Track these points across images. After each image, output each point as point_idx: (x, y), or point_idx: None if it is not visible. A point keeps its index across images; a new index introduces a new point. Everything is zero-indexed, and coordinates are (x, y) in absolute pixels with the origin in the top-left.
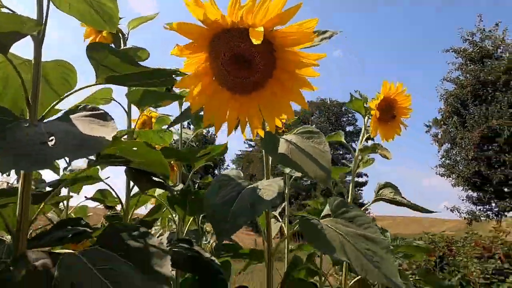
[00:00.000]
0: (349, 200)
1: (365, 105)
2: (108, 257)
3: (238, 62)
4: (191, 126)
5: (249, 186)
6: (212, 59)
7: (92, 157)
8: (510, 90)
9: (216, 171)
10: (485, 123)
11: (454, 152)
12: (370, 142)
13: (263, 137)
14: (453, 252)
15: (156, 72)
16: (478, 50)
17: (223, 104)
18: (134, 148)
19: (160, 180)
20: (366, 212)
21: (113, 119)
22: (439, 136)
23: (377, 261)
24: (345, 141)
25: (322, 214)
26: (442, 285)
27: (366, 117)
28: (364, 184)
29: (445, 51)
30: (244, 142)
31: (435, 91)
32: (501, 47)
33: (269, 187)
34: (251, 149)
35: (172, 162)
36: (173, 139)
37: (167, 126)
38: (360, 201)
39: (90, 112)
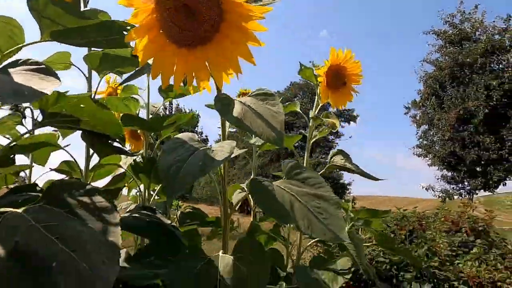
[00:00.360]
0: (305, 163)
1: (314, 74)
2: (54, 213)
3: (184, 13)
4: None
5: (202, 148)
6: (158, 11)
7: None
8: (486, 72)
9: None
10: (462, 105)
11: (431, 133)
12: (334, 111)
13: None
14: (423, 227)
15: (103, 25)
16: (458, 32)
17: (170, 58)
18: (82, 106)
19: (119, 146)
20: (347, 192)
21: (57, 74)
22: (418, 118)
23: (325, 217)
24: (300, 111)
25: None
26: (396, 248)
27: (318, 86)
28: None
29: (426, 33)
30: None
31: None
32: (480, 30)
33: (221, 149)
34: (235, 129)
35: (139, 131)
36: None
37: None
38: (341, 181)
39: (32, 67)
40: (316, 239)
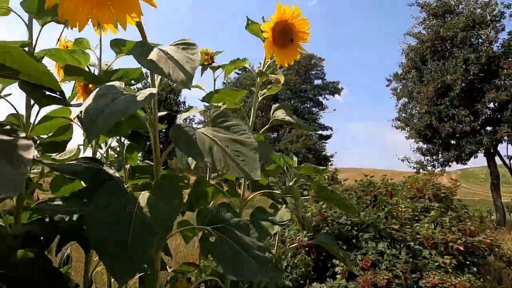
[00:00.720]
0: (250, 122)
1: (261, 29)
2: None
3: None
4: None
5: (128, 94)
6: None
7: None
8: (466, 46)
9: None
10: (440, 78)
11: (410, 106)
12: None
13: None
14: (391, 193)
15: None
16: (441, 5)
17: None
18: (11, 54)
19: (59, 96)
20: (329, 164)
21: None
22: (398, 91)
23: (242, 159)
24: (248, 66)
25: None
26: (330, 196)
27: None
28: (328, 137)
29: (410, 5)
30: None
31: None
32: (463, 3)
33: (144, 94)
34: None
35: (90, 86)
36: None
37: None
38: (324, 153)
39: None
40: (260, 191)
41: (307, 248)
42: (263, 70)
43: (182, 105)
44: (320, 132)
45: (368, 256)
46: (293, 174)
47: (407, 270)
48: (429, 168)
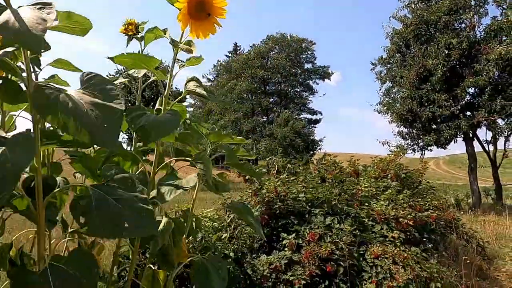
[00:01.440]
0: (165, 93)
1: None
2: None
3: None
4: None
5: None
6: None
7: None
8: (449, 31)
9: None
10: (422, 63)
11: (394, 90)
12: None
13: None
14: (355, 173)
15: None
16: None
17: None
18: None
19: None
20: (318, 148)
21: None
22: (382, 75)
23: (102, 125)
24: (168, 36)
25: None
26: (239, 165)
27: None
28: (318, 121)
29: None
30: (203, 77)
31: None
32: None
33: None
34: (209, 83)
35: None
36: None
37: None
38: (311, 137)
39: None
40: (174, 159)
41: (260, 222)
42: (180, 40)
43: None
44: (309, 116)
45: (314, 229)
46: (209, 143)
47: (356, 243)
48: (409, 152)
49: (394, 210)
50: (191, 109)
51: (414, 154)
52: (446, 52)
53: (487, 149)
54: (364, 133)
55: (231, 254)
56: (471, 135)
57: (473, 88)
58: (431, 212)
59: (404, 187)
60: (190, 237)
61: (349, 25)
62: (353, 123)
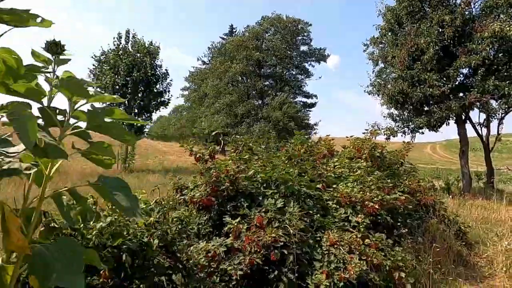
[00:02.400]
0: None
1: None
2: None
3: None
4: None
5: None
6: None
7: None
8: (442, 8)
9: (158, 86)
10: (413, 41)
11: (387, 71)
12: None
13: None
14: (330, 152)
15: None
16: None
17: None
18: None
19: None
20: (312, 132)
21: None
22: (375, 55)
23: None
24: None
25: None
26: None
27: None
28: (313, 105)
29: None
30: (198, 59)
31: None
32: None
33: None
34: (204, 66)
35: None
36: None
37: None
38: (306, 121)
39: None
40: None
41: (202, 205)
42: None
43: (159, 69)
44: (304, 99)
45: (263, 213)
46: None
47: (313, 228)
48: (400, 134)
49: (361, 192)
50: (186, 92)
51: (404, 137)
52: (439, 30)
53: (480, 132)
54: (366, 117)
55: (155, 241)
56: (463, 118)
57: (466, 69)
58: (400, 194)
59: (380, 168)
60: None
61: (348, 10)
62: (354, 108)
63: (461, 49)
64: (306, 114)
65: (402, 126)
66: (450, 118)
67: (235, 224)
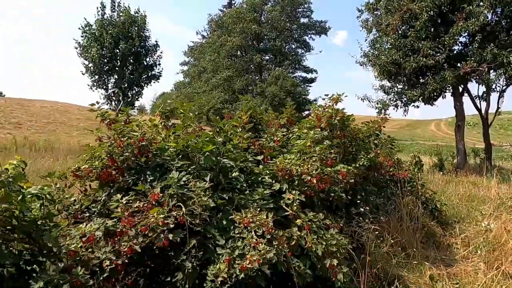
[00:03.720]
0: None
1: None
2: None
3: None
4: None
5: None
6: None
7: None
8: None
9: (147, 59)
10: (407, 5)
11: (380, 41)
12: None
13: None
14: (290, 121)
15: None
16: None
17: None
18: None
19: None
20: (311, 108)
21: None
22: (368, 22)
23: None
24: None
25: None
26: None
27: None
28: (313, 80)
29: None
30: (197, 33)
31: None
32: None
33: None
34: (204, 40)
35: None
36: None
37: None
38: (304, 96)
39: None
40: None
41: (104, 180)
42: None
43: (148, 40)
44: (304, 74)
45: (155, 190)
46: None
47: (233, 206)
48: (391, 108)
49: (299, 165)
50: (186, 67)
51: (396, 110)
52: None
53: (479, 106)
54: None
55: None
56: (460, 90)
57: (463, 36)
58: (343, 167)
59: (342, 138)
60: None
61: None
62: (361, 85)
63: (459, 14)
64: (305, 89)
65: (394, 99)
66: (447, 91)
67: (123, 202)
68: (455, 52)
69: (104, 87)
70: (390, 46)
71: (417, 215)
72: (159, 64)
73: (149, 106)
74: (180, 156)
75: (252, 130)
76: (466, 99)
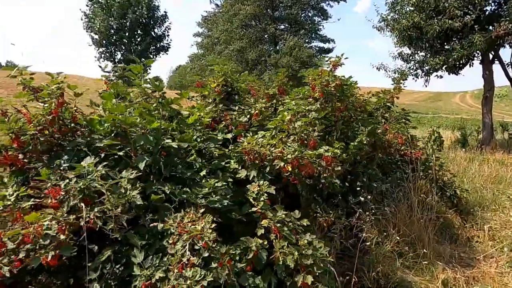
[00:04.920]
0: None
1: None
2: None
3: None
4: None
5: None
6: None
7: None
8: None
9: (156, 30)
10: None
11: (402, 1)
12: None
13: None
14: (281, 90)
15: None
16: None
17: None
18: None
19: None
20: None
21: None
22: None
23: None
24: None
25: None
26: None
27: None
28: (330, 50)
29: None
30: (211, 2)
31: None
32: None
33: None
34: (218, 9)
35: None
36: None
37: None
38: (320, 67)
39: None
40: None
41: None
42: None
43: (156, 10)
44: (321, 44)
45: (62, 183)
46: None
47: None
48: (410, 77)
49: (276, 146)
50: (200, 38)
51: (416, 81)
52: None
53: (511, 75)
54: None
55: None
56: (491, 57)
57: None
58: (329, 151)
59: (341, 111)
60: None
61: None
62: (382, 55)
63: None
64: (321, 60)
65: (414, 68)
66: (475, 58)
67: (12, 200)
68: (486, 13)
69: (111, 59)
70: (412, 8)
71: (431, 204)
72: (168, 35)
73: (166, 79)
74: (113, 135)
75: (228, 102)
76: (496, 67)
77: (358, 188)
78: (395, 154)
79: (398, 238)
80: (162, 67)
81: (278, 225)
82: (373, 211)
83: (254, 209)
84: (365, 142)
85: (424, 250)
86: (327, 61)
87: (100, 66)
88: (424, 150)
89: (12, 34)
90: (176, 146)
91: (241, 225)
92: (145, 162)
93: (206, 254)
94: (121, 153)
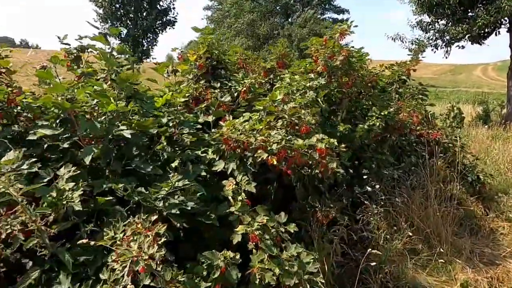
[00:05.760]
0: None
1: None
2: None
3: None
4: None
5: None
6: None
7: None
8: None
9: (161, 2)
10: None
11: None
12: None
13: None
14: (280, 64)
15: None
16: None
17: None
18: None
19: None
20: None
21: None
22: None
23: None
24: None
25: None
26: None
27: None
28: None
29: None
30: None
31: None
32: None
33: None
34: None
35: None
36: None
37: None
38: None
39: None
40: None
41: None
42: None
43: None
44: (334, 16)
45: None
46: None
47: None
48: (429, 48)
49: (249, 136)
50: (210, 12)
51: (435, 52)
52: None
53: None
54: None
55: None
56: None
57: None
58: (323, 141)
59: (348, 87)
60: None
61: None
62: (399, 27)
63: None
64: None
65: (434, 37)
66: (502, 25)
67: None
68: None
69: (117, 36)
70: None
71: (451, 192)
72: (174, 8)
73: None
74: (59, 121)
75: (213, 78)
76: None
77: (365, 177)
78: (410, 135)
79: (411, 233)
80: (174, 43)
81: (258, 232)
82: (382, 202)
83: (232, 209)
84: (378, 125)
85: (441, 248)
86: (331, 29)
87: (58, 37)
88: (443, 130)
89: None
90: (129, 135)
91: (214, 229)
92: (93, 155)
93: (147, 282)
94: (65, 145)
